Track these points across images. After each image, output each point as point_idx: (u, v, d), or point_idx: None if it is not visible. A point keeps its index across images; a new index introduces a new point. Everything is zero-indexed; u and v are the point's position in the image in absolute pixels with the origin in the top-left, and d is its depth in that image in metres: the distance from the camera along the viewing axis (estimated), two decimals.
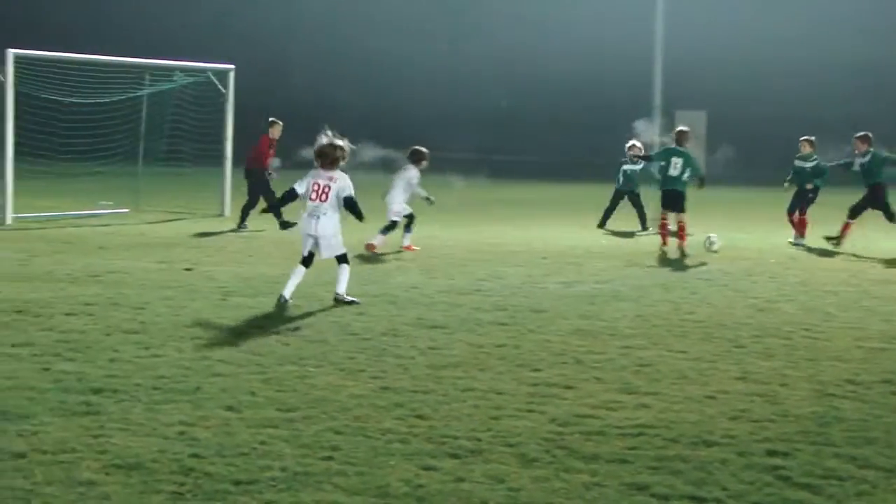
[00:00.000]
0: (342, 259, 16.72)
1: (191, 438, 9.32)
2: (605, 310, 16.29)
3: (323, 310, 15.88)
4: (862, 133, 26.72)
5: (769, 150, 56.18)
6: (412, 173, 24.43)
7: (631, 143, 29.06)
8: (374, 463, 8.79)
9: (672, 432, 9.74)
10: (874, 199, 26.08)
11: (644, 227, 29.18)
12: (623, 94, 63.78)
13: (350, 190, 16.49)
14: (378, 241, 23.60)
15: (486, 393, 11.11)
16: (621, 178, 30.32)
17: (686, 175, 24.42)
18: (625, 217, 29.90)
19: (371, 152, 22.48)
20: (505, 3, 70.65)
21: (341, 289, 16.55)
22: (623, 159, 30.26)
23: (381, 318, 15.27)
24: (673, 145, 25.18)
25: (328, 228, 16.49)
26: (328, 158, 16.51)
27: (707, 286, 18.92)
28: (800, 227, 26.82)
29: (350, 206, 16.54)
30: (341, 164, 16.61)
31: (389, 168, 25.07)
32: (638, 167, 29.85)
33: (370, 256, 22.45)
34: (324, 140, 16.55)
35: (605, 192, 31.42)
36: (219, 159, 34.07)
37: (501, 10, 70.48)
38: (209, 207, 33.53)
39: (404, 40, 71.23)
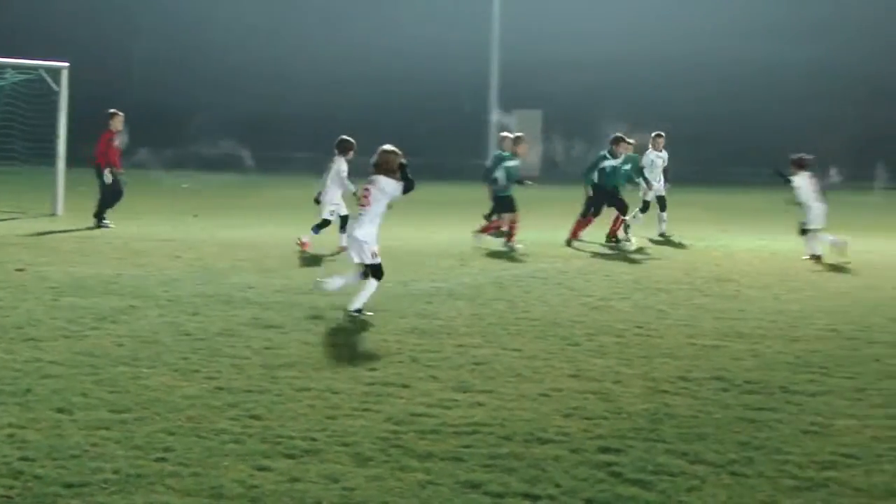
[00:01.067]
0: (373, 274, 15.85)
1: (20, 441, 9.14)
2: (441, 308, 16.34)
3: (159, 310, 15.68)
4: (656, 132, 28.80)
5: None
6: (342, 166, 24.22)
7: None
8: (207, 464, 8.70)
9: (506, 430, 9.80)
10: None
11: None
12: (460, 93, 64.05)
13: (398, 190, 15.78)
14: (308, 238, 23.72)
15: (321, 392, 11.07)
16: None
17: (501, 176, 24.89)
18: (471, 216, 29.99)
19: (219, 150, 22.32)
20: (344, 3, 70.50)
21: (354, 304, 15.57)
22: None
23: (216, 319, 15.14)
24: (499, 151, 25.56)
25: (366, 234, 15.81)
26: (382, 165, 15.83)
27: (542, 285, 19.08)
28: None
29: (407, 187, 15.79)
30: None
31: (236, 166, 24.92)
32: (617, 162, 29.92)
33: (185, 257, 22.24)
34: (387, 147, 15.95)
35: (447, 192, 31.53)
36: (52, 158, 33.39)
37: (340, 9, 70.29)
38: (41, 207, 32.89)
39: (248, 38, 70.66)
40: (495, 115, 58.51)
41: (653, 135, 29.49)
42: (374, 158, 15.83)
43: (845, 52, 64.15)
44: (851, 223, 30.81)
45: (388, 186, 15.76)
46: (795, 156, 24.78)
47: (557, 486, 8.37)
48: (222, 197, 38.24)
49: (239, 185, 48.37)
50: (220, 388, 11.16)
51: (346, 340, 13.77)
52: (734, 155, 61.81)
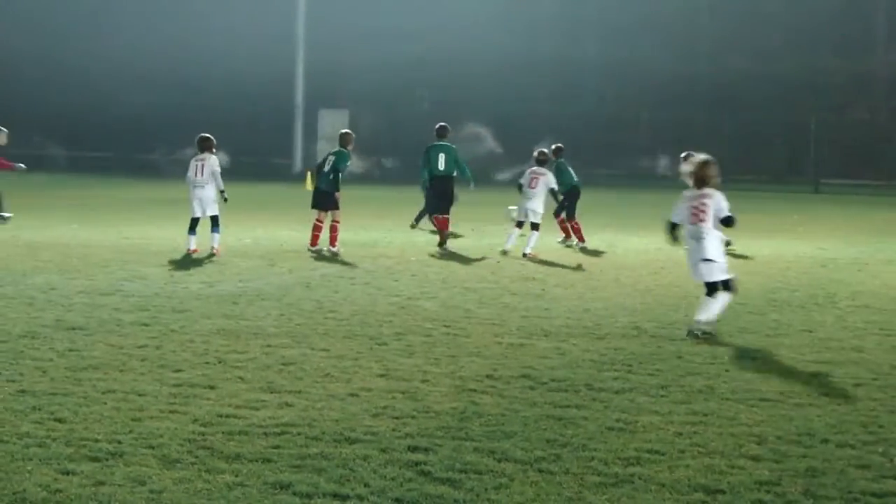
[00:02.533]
0: (724, 286, 15.14)
1: None
2: (248, 309, 16.22)
3: None
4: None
5: (410, 150, 57.21)
6: (214, 161, 24.02)
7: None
8: (10, 468, 8.51)
9: (315, 430, 9.77)
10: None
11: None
12: (265, 92, 63.67)
13: (726, 210, 15.02)
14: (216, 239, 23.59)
15: (127, 394, 10.91)
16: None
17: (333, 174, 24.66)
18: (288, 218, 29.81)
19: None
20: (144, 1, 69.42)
21: (703, 316, 14.94)
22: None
23: (17, 321, 14.81)
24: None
25: (711, 251, 15.02)
26: (698, 177, 15.12)
27: (349, 285, 19.07)
28: (569, 230, 27.55)
29: (726, 222, 15.09)
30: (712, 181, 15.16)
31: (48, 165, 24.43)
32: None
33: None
34: (698, 157, 15.28)
35: (252, 191, 31.31)
36: None
37: (140, 7, 69.19)
38: None
39: (41, 39, 69.05)
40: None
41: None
42: (690, 168, 15.23)
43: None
44: (635, 221, 31.44)
45: (721, 202, 15.06)
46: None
47: (366, 485, 8.37)
48: (30, 197, 37.38)
49: (48, 185, 47.41)
50: (23, 392, 10.92)
51: (152, 342, 13.58)
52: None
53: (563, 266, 22.54)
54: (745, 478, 8.72)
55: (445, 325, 15.24)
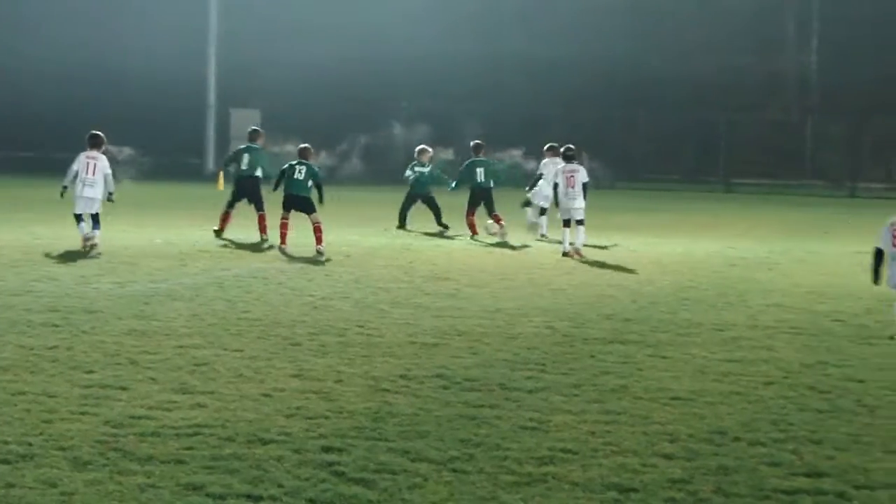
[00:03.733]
0: None
1: None
2: (159, 310, 16.10)
3: None
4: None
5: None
6: (106, 162, 23.98)
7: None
8: None
9: (228, 431, 9.72)
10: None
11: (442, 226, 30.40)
12: (176, 91, 63.16)
13: None
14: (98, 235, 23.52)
15: (37, 396, 10.79)
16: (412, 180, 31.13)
17: (311, 185, 25.17)
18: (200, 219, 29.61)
19: None
20: None
21: None
22: (413, 162, 31.44)
23: None
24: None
25: None
26: None
27: (263, 285, 18.99)
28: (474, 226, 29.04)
29: None
30: None
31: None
32: (426, 169, 31.08)
33: None
34: None
35: (157, 191, 31.07)
36: None
37: (54, 4, 68.42)
38: None
39: None
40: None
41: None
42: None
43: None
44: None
45: None
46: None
47: (280, 486, 8.34)
48: None
49: None
50: None
51: (63, 343, 13.44)
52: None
53: (476, 266, 22.58)
54: (658, 476, 8.79)
55: (359, 325, 15.21)
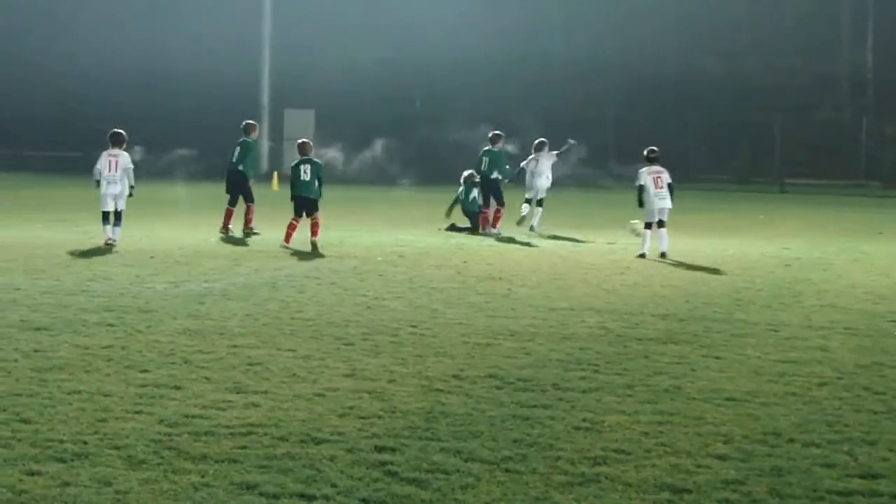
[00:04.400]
0: None
1: None
2: (213, 309, 16.17)
3: None
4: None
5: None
6: (127, 157, 24.67)
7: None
8: None
9: (281, 430, 9.75)
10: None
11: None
12: (230, 92, 63.40)
13: None
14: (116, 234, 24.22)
15: (92, 395, 10.86)
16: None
17: (317, 182, 25.36)
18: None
19: None
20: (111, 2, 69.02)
21: None
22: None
23: None
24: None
25: None
26: None
27: (316, 284, 19.03)
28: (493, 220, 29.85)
29: None
30: None
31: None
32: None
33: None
34: None
35: (212, 192, 31.20)
36: None
37: (106, 7, 68.79)
38: None
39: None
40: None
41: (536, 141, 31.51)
42: None
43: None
44: (601, 221, 31.56)
45: None
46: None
47: (333, 485, 8.36)
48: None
49: (20, 184, 47.19)
50: None
51: (117, 342, 13.52)
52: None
53: (529, 266, 22.54)
54: (712, 477, 8.76)
55: (412, 326, 15.22)
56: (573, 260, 23.85)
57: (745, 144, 65.34)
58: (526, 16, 66.36)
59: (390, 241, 26.55)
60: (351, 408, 10.64)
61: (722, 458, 9.26)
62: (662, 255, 24.01)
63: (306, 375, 12.03)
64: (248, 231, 27.50)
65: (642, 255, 24.01)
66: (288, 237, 25.09)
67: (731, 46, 65.75)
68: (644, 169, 24.99)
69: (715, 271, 22.07)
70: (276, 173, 48.47)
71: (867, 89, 67.29)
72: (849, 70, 67.25)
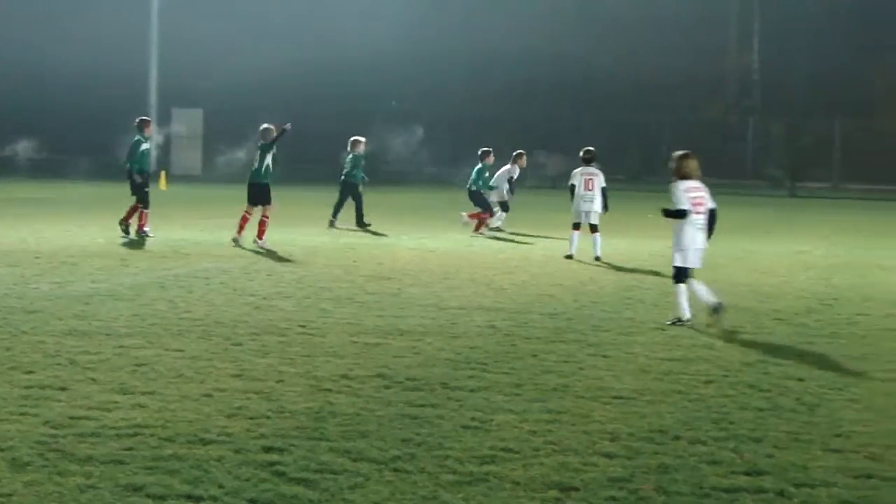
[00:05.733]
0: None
1: None
2: (100, 310, 16.00)
3: None
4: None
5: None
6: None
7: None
8: None
9: (168, 431, 9.67)
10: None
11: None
12: (117, 90, 62.83)
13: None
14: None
15: None
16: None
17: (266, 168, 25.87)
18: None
19: None
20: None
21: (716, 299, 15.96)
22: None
23: None
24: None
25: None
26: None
27: (204, 284, 18.91)
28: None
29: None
30: None
31: None
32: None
33: None
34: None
35: (106, 190, 30.85)
36: None
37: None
38: None
39: None
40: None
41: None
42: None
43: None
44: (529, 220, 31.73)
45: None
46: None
47: (220, 486, 8.31)
48: None
49: None
50: None
51: (2, 344, 13.33)
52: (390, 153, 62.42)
53: (419, 266, 22.57)
54: (599, 475, 8.82)
55: (301, 325, 15.17)
56: (463, 259, 23.91)
57: (636, 144, 65.99)
58: (426, 15, 66.55)
59: (281, 240, 26.42)
60: (239, 408, 10.58)
61: (609, 455, 9.33)
62: (597, 258, 23.99)
63: (194, 376, 11.94)
64: (143, 234, 26.96)
65: (569, 257, 24.08)
66: (240, 229, 25.66)
67: (626, 47, 66.41)
68: (578, 170, 25.09)
69: (604, 270, 22.24)
70: (163, 172, 48.10)
71: (753, 90, 68.27)
72: (736, 72, 68.18)
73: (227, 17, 65.90)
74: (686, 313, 15.83)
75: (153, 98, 65.50)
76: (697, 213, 15.98)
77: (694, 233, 16.01)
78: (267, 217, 25.36)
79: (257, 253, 23.95)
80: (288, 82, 64.53)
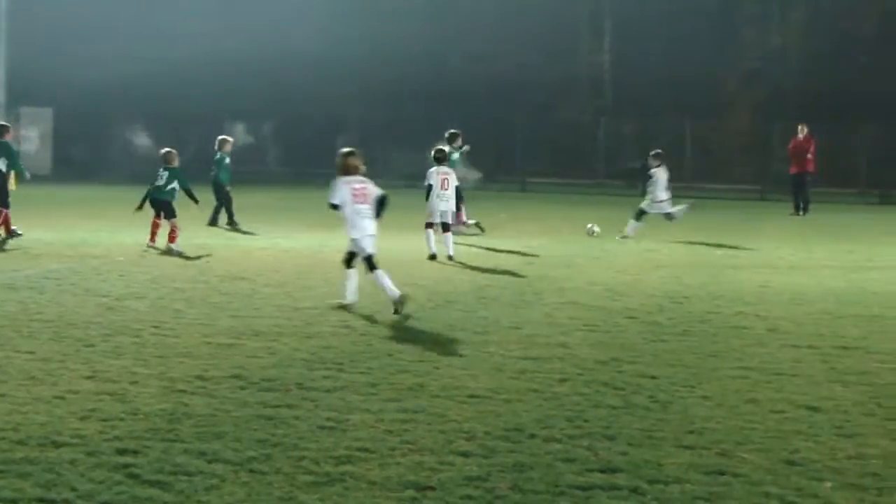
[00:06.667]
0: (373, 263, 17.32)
1: None
2: None
3: None
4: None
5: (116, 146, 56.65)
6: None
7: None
8: None
9: (20, 434, 9.53)
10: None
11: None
12: None
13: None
14: None
15: None
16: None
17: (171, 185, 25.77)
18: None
19: None
20: None
21: (396, 292, 16.86)
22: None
23: None
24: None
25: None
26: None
27: (56, 285, 18.63)
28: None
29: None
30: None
31: None
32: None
33: None
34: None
35: None
36: None
37: None
38: None
39: None
40: None
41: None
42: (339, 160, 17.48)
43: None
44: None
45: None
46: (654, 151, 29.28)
47: (73, 489, 8.21)
48: None
49: None
50: None
51: None
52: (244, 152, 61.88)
53: (273, 266, 22.47)
54: (455, 474, 8.86)
55: (154, 326, 15.02)
56: (316, 259, 23.85)
57: (489, 142, 66.36)
58: (278, 15, 66.31)
59: (131, 241, 26.12)
60: (92, 410, 10.45)
61: (465, 454, 9.38)
62: (450, 257, 24.05)
63: (45, 378, 11.76)
64: (8, 236, 26.36)
65: (433, 257, 24.07)
66: (152, 235, 25.30)
67: (479, 47, 66.74)
68: (433, 169, 25.09)
69: (459, 269, 22.35)
70: (13, 172, 47.16)
71: (605, 90, 69.06)
72: (587, 71, 68.91)
73: (73, 15, 64.96)
74: (351, 297, 17.18)
75: (1, 96, 64.25)
76: (362, 203, 17.23)
77: (362, 222, 17.23)
78: (177, 226, 25.12)
79: (110, 254, 23.63)
80: (143, 81, 63.83)
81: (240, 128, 56.30)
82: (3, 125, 28.02)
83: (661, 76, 63.35)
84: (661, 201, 30.97)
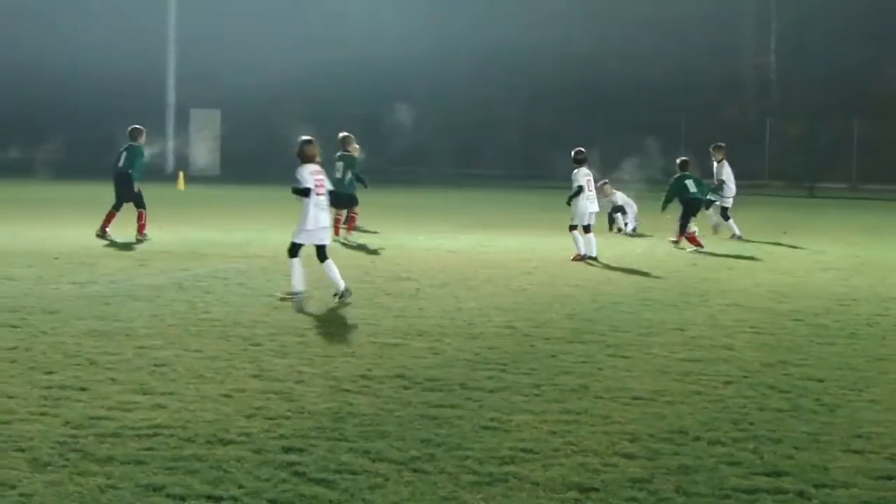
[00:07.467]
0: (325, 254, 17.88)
1: None
2: (120, 310, 16.03)
3: None
4: None
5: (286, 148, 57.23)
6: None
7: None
8: None
9: (188, 432, 9.69)
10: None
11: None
12: (135, 91, 62.97)
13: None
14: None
15: None
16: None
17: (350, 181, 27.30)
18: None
19: None
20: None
21: (342, 285, 17.69)
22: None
23: None
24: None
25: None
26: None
27: (223, 285, 18.93)
28: None
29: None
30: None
31: None
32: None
33: None
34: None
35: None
36: None
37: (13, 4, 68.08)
38: None
39: None
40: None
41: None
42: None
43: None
44: (508, 220, 31.67)
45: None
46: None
47: (240, 486, 8.32)
48: None
49: None
50: None
51: (22, 344, 13.36)
52: (403, 153, 62.18)
53: (437, 266, 22.56)
54: (619, 476, 8.80)
55: (319, 325, 15.18)
56: (480, 260, 23.90)
57: (652, 145, 65.90)
58: (434, 19, 66.65)
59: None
60: (258, 409, 10.59)
61: (629, 456, 9.32)
62: (594, 258, 24.03)
63: (213, 376, 11.95)
64: (141, 237, 26.81)
65: (583, 258, 23.94)
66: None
67: (638, 48, 66.35)
68: (580, 170, 24.77)
69: (622, 271, 22.21)
70: (181, 173, 48.18)
71: (771, 91, 68.16)
72: (753, 72, 68.07)
73: (244, 17, 66.05)
74: (299, 286, 17.60)
75: (171, 98, 65.61)
76: (319, 193, 17.42)
77: (317, 212, 17.49)
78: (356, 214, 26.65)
79: (277, 254, 23.93)
80: (307, 84, 64.64)
81: (403, 121, 56.61)
82: (135, 128, 28.07)
83: (825, 74, 62.31)
84: (730, 196, 30.85)
